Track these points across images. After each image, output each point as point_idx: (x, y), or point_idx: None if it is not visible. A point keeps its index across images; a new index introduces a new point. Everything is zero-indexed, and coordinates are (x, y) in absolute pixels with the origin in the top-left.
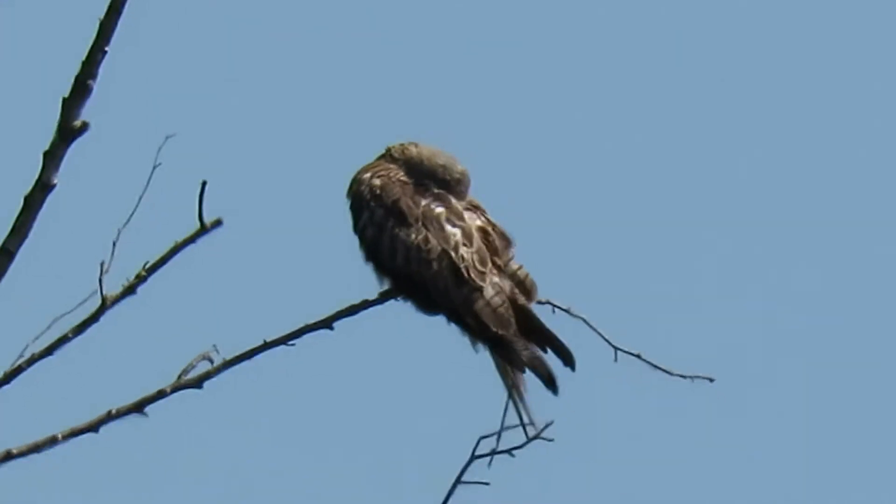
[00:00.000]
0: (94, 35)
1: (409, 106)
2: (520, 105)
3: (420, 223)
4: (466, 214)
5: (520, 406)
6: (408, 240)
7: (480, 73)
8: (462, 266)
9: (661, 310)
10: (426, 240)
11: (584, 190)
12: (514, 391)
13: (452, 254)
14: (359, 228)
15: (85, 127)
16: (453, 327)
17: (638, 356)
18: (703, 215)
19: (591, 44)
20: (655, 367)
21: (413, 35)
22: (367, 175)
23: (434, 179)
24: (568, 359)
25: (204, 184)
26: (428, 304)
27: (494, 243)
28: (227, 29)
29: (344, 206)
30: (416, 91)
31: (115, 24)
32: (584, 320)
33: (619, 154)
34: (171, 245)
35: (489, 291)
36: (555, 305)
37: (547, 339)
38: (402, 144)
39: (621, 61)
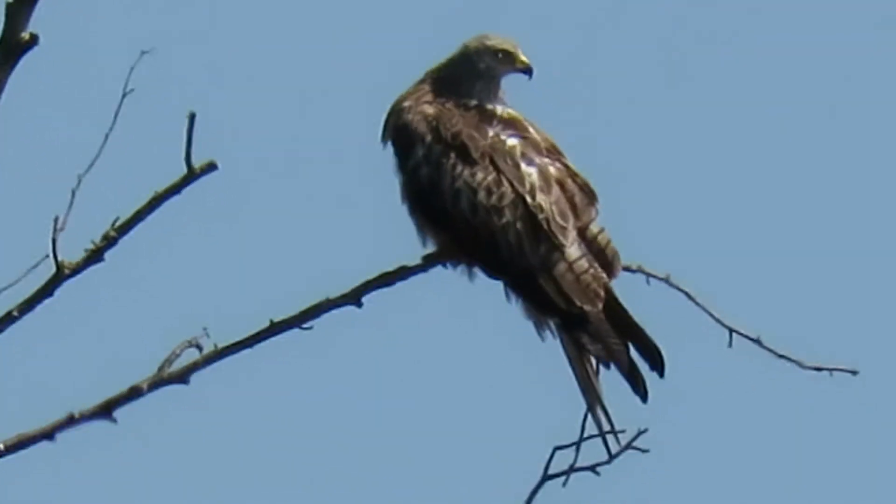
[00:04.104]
0: None
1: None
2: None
3: (487, 160)
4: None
5: (599, 410)
6: (473, 181)
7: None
8: (541, 217)
9: (783, 283)
10: (497, 181)
11: (678, 135)
12: (591, 392)
13: (528, 199)
14: (409, 168)
15: (34, 40)
16: (516, 303)
17: (757, 341)
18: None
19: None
20: (781, 356)
21: None
22: (410, 103)
23: (476, 69)
24: (655, 360)
25: (192, 116)
26: (494, 265)
27: (573, 199)
28: None
29: (379, 142)
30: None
31: None
32: (687, 294)
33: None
34: (149, 196)
35: (573, 252)
36: (648, 274)
37: (629, 332)
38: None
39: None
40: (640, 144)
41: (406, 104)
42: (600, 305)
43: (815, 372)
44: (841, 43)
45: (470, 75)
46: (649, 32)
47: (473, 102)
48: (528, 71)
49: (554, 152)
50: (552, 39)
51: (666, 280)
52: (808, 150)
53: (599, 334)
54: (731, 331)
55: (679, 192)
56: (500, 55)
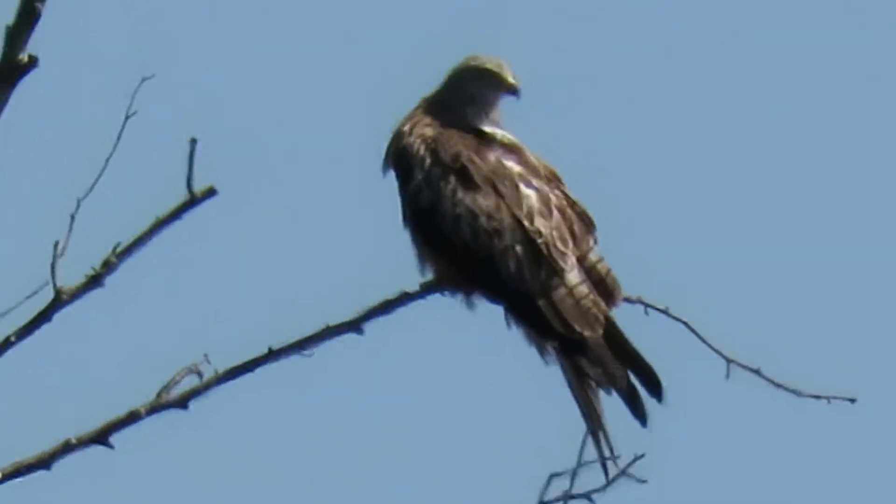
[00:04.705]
0: None
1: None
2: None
3: (489, 185)
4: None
5: (600, 435)
6: (474, 205)
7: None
8: (540, 241)
9: (782, 314)
10: (497, 206)
11: (680, 165)
12: (592, 416)
13: (526, 223)
14: (409, 192)
15: (33, 63)
16: (517, 329)
17: (757, 372)
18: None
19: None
20: (780, 385)
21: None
22: (409, 126)
23: (465, 92)
24: (654, 386)
25: (194, 141)
26: (493, 289)
27: (572, 228)
28: None
29: (380, 167)
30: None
31: None
32: (687, 324)
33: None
34: (150, 222)
35: (573, 277)
36: (648, 305)
37: (629, 359)
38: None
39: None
40: (641, 173)
41: (405, 129)
42: (600, 331)
43: (813, 400)
44: (840, 46)
45: (460, 99)
46: (652, 55)
47: (469, 126)
48: (514, 92)
49: (554, 180)
50: (550, 61)
51: (665, 311)
52: (805, 182)
53: (599, 359)
54: (728, 361)
55: (679, 221)
56: (486, 76)
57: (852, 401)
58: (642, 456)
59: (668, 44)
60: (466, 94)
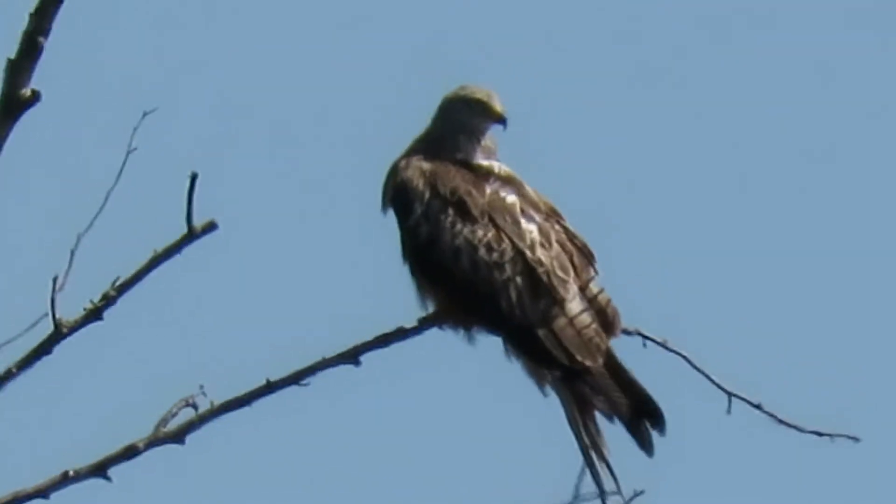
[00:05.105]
0: None
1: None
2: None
3: (487, 218)
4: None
5: (600, 469)
6: (473, 238)
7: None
8: (540, 270)
9: (785, 348)
10: (497, 238)
11: (678, 197)
12: (592, 448)
13: (528, 254)
14: (408, 227)
15: (35, 97)
16: (516, 361)
17: (758, 407)
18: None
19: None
20: (782, 421)
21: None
22: (405, 162)
23: (455, 123)
24: (656, 418)
25: (194, 176)
26: (494, 321)
27: (573, 259)
28: None
29: (380, 205)
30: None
31: None
32: (686, 358)
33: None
34: (148, 255)
35: (574, 306)
36: (646, 337)
37: (629, 390)
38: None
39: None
40: (639, 205)
41: (401, 164)
42: (601, 360)
43: (815, 437)
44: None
45: (452, 130)
46: (647, 79)
47: (462, 157)
48: (501, 121)
49: (552, 215)
50: (551, 98)
51: (663, 344)
52: (805, 214)
53: (602, 388)
54: (730, 395)
55: (678, 252)
56: (474, 106)
57: (856, 440)
58: (642, 492)
59: (664, 65)
60: (457, 125)
